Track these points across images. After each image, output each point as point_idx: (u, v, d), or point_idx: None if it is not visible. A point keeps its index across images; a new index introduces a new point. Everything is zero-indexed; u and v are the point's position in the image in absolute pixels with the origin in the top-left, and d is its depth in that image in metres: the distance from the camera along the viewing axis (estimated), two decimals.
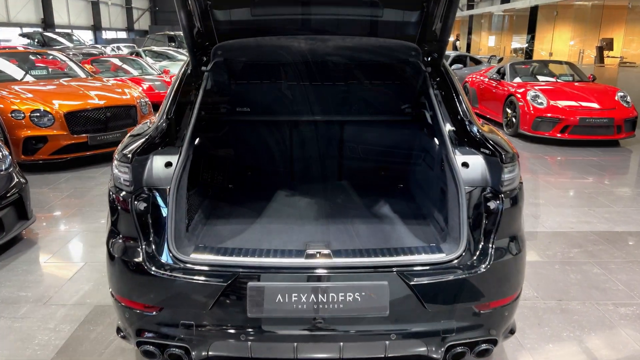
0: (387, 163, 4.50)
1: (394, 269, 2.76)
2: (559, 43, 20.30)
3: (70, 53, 22.10)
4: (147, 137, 3.08)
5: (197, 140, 3.62)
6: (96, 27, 43.16)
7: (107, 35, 44.60)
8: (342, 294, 2.65)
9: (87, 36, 39.16)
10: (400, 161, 4.47)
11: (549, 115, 10.37)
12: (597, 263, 5.09)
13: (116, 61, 14.54)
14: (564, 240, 5.75)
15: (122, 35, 47.87)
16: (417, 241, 3.29)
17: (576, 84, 11.95)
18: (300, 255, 2.88)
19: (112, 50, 28.14)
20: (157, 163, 3.00)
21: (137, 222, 2.86)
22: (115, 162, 3.02)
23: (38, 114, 7.59)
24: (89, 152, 8.33)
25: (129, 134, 3.29)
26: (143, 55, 18.52)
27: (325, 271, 2.74)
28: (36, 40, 27.23)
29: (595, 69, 15.53)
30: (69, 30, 32.98)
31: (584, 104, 10.65)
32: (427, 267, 2.82)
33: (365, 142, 4.36)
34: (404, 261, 2.85)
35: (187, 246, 2.99)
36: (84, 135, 8.04)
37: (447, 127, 3.31)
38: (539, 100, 10.67)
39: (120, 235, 2.95)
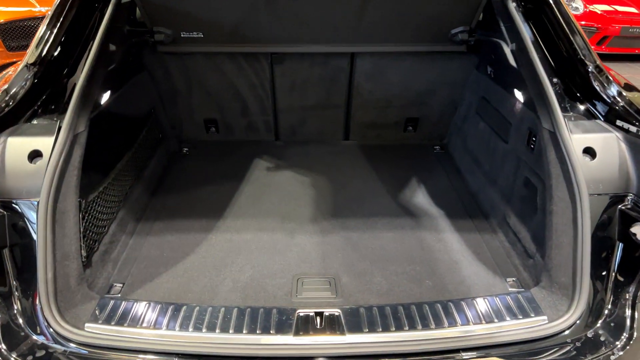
0: (419, 114, 3.03)
1: (461, 357, 1.50)
2: None
3: None
4: None
5: (108, 95, 2.14)
6: None
7: None
8: None
9: None
10: (439, 112, 3.02)
11: (583, 23, 8.66)
12: None
13: None
14: None
15: None
16: (483, 270, 2.02)
17: None
18: (286, 327, 1.60)
19: None
20: (12, 154, 1.61)
21: None
22: None
23: None
24: None
25: None
26: None
27: None
28: None
29: None
30: None
31: (624, 9, 8.91)
32: (519, 348, 1.55)
33: (387, 83, 2.88)
34: (477, 336, 1.58)
35: (84, 301, 1.70)
36: (24, 52, 6.35)
37: (545, 77, 1.84)
38: (574, 5, 8.88)
39: None
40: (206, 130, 3.10)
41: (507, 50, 2.15)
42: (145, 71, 2.68)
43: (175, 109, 2.95)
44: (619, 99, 1.75)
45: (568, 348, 1.58)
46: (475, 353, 1.54)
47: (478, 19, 2.45)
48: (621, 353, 1.55)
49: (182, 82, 2.82)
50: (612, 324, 1.60)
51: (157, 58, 2.68)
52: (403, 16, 2.42)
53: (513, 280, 1.96)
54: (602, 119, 1.77)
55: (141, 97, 2.64)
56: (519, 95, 2.18)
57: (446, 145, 3.09)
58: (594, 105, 1.81)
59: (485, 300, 1.70)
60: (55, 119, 1.72)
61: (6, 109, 1.66)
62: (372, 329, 1.57)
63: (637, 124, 1.68)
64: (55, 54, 1.87)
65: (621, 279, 1.64)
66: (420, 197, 2.55)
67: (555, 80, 1.89)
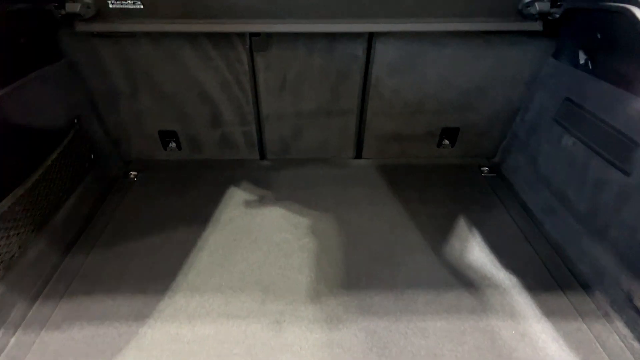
0: (460, 122, 2.16)
1: None
2: None
3: None
4: None
5: None
6: None
7: None
8: None
9: None
10: (488, 119, 2.15)
11: None
12: None
13: None
14: None
15: None
16: None
17: None
18: None
19: None
20: None
21: None
22: None
23: None
24: None
25: None
26: None
27: None
28: None
29: None
30: None
31: None
32: None
33: (419, 78, 2.01)
34: None
35: None
36: None
37: None
38: None
39: None
40: (163, 146, 2.22)
41: None
42: (62, 60, 1.80)
43: (116, 115, 2.07)
44: None
45: None
46: None
47: None
48: None
49: (124, 77, 1.94)
50: None
51: (81, 41, 1.80)
52: None
53: None
54: None
55: (55, 98, 1.76)
56: None
57: (499, 165, 2.22)
58: None
59: None
60: None
61: None
62: None
63: None
64: None
65: None
66: (476, 252, 1.67)
67: None
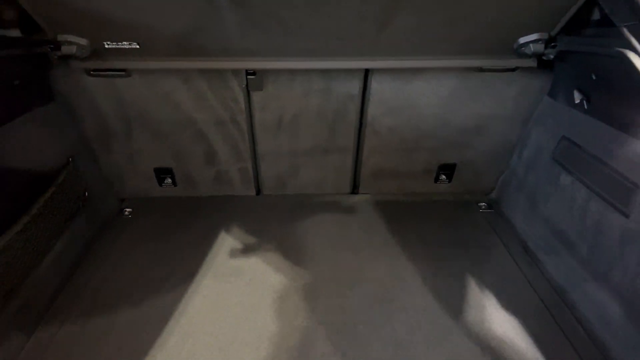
0: (458, 159, 2.15)
1: None
2: None
3: None
4: None
5: None
6: None
7: None
8: None
9: None
10: (485, 156, 2.14)
11: None
12: None
13: None
14: None
15: None
16: None
17: None
18: None
19: None
20: None
21: None
22: None
23: None
24: None
25: None
26: None
27: None
28: None
29: None
30: None
31: None
32: None
33: (416, 116, 2.01)
34: None
35: None
36: None
37: None
38: None
39: None
40: (159, 183, 2.19)
41: (637, 61, 1.27)
42: (54, 101, 1.79)
43: (110, 155, 2.05)
44: None
45: None
46: None
47: (564, 22, 1.59)
48: None
49: (118, 117, 1.93)
50: None
51: (75, 82, 1.80)
52: (449, 20, 1.56)
53: None
54: None
55: (47, 139, 1.74)
56: None
57: (496, 202, 2.20)
58: None
59: None
60: None
61: None
62: None
63: None
64: None
65: None
66: (477, 294, 1.64)
67: None
